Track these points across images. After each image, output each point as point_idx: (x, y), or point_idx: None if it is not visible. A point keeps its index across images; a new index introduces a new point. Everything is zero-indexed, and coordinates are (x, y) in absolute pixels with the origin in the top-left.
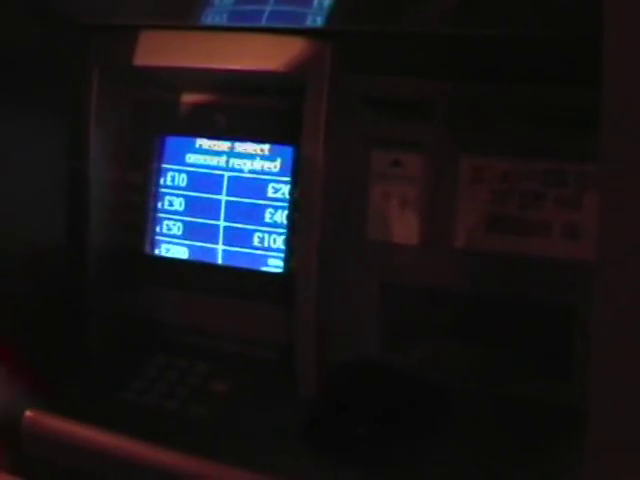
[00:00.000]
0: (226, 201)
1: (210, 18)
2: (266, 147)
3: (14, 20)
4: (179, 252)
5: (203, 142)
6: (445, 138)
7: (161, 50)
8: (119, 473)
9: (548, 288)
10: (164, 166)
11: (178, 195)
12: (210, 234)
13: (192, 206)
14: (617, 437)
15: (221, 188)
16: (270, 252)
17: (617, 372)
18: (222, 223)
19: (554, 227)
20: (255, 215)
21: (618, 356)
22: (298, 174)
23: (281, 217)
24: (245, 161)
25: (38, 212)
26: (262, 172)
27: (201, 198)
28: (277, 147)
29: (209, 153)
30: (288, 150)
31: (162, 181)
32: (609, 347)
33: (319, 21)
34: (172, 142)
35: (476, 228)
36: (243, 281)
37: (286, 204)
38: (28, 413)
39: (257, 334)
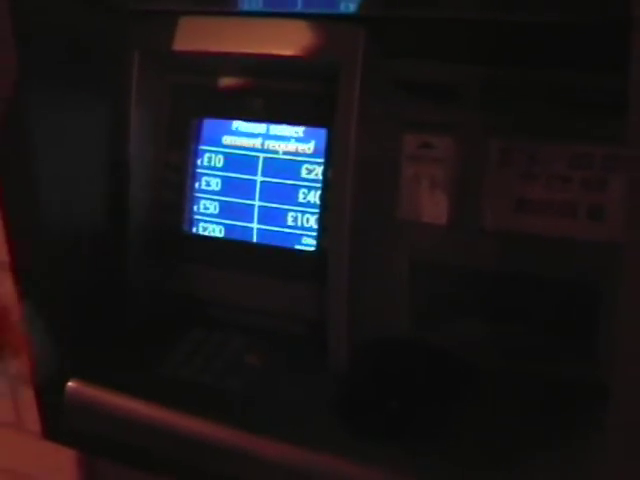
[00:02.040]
0: (261, 181)
1: (246, 4)
2: (300, 129)
3: (59, 7)
4: (215, 231)
5: (240, 124)
6: (475, 121)
7: (199, 35)
8: (157, 442)
9: (573, 268)
10: (201, 147)
11: (215, 175)
12: (245, 213)
13: (228, 186)
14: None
15: (256, 169)
16: (303, 231)
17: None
18: (257, 203)
19: (580, 209)
20: (289, 195)
21: None
22: (331, 156)
23: (314, 197)
24: (280, 143)
25: (83, 191)
26: (296, 154)
27: (237, 178)
28: (311, 130)
29: (245, 135)
30: (322, 132)
31: (199, 162)
32: (634, 326)
33: (352, 7)
34: (209, 124)
35: (504, 209)
36: (277, 259)
37: (319, 184)
38: (71, 383)
39: (290, 310)
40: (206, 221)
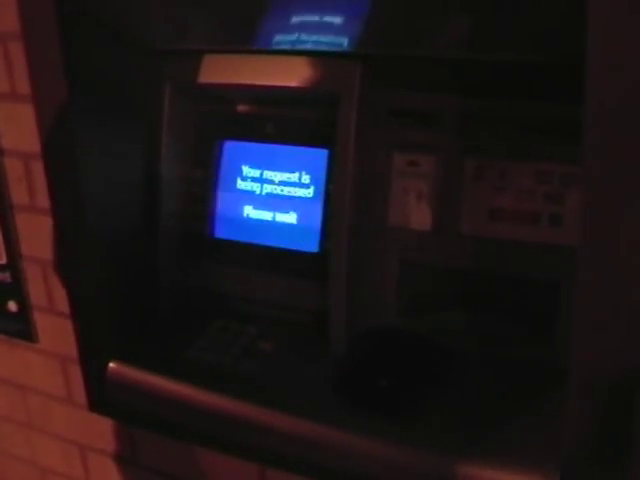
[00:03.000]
0: (273, 194)
1: (261, 43)
2: (304, 177)
3: (103, 49)
4: (234, 235)
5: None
6: (453, 143)
7: (220, 70)
8: (184, 414)
9: (537, 267)
10: (222, 165)
11: (235, 188)
12: (259, 221)
13: (245, 198)
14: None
15: (269, 184)
16: (308, 235)
17: (595, 334)
18: (269, 212)
19: (542, 217)
20: (297, 205)
21: (595, 321)
22: (332, 172)
23: (318, 207)
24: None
25: (122, 201)
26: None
27: (252, 191)
28: (313, 176)
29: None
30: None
31: (220, 177)
32: (587, 316)
33: (351, 46)
34: (229, 146)
35: (478, 217)
36: (286, 259)
37: (322, 196)
38: (112, 364)
39: (297, 303)
40: (225, 227)
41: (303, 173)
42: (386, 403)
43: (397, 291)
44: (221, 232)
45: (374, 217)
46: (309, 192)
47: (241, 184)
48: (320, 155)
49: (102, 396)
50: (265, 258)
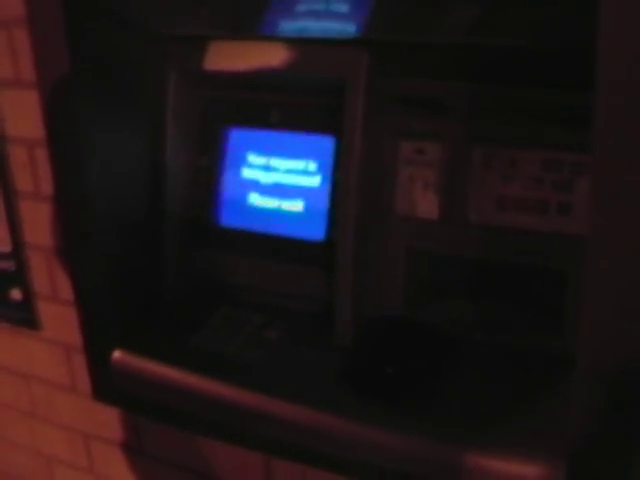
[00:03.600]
0: (279, 182)
1: (267, 29)
2: (310, 165)
3: (108, 34)
4: (239, 223)
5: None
6: (461, 131)
7: (226, 57)
8: (189, 403)
9: (545, 256)
10: (227, 153)
11: (240, 176)
12: (265, 209)
13: (250, 185)
14: None
15: (275, 172)
16: (315, 224)
17: (603, 323)
18: (276, 200)
19: (551, 206)
20: (303, 193)
21: (604, 310)
22: (338, 160)
23: (324, 195)
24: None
25: (127, 188)
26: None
27: (258, 180)
28: (319, 164)
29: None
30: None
31: (225, 165)
32: (596, 305)
33: (357, 32)
34: (234, 133)
35: (486, 206)
36: (292, 248)
37: (329, 184)
38: (116, 352)
39: (303, 292)
40: (231, 216)
41: (309, 161)
42: (392, 391)
43: (404, 280)
44: (227, 220)
45: (381, 205)
46: (315, 180)
47: (247, 172)
48: (326, 143)
49: (106, 385)
50: (271, 246)
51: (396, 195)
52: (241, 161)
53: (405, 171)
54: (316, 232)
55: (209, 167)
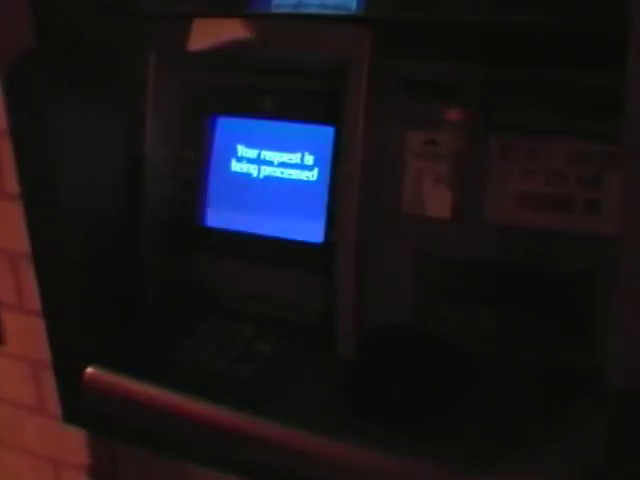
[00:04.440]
0: (272, 177)
1: (256, 6)
2: (307, 158)
3: (81, 11)
4: (228, 224)
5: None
6: (476, 119)
7: (212, 36)
8: (170, 426)
9: (570, 259)
10: (214, 144)
11: (228, 171)
12: (257, 207)
13: (240, 181)
14: None
15: (268, 166)
16: (312, 224)
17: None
18: (267, 197)
19: (577, 203)
20: (299, 190)
21: (635, 321)
22: (338, 152)
23: (322, 191)
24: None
25: (102, 184)
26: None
27: (249, 174)
28: (317, 157)
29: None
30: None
31: (212, 158)
32: (630, 315)
33: (360, 8)
34: (222, 122)
35: (504, 203)
36: (286, 250)
37: (328, 180)
38: (89, 370)
39: (299, 300)
40: (218, 214)
41: (306, 153)
42: (398, 412)
43: (412, 286)
44: (213, 220)
45: (386, 203)
46: (312, 175)
47: (236, 166)
48: (325, 133)
49: (78, 406)
50: (263, 249)
51: (403, 192)
52: (230, 153)
53: (413, 164)
54: (313, 233)
55: (193, 160)
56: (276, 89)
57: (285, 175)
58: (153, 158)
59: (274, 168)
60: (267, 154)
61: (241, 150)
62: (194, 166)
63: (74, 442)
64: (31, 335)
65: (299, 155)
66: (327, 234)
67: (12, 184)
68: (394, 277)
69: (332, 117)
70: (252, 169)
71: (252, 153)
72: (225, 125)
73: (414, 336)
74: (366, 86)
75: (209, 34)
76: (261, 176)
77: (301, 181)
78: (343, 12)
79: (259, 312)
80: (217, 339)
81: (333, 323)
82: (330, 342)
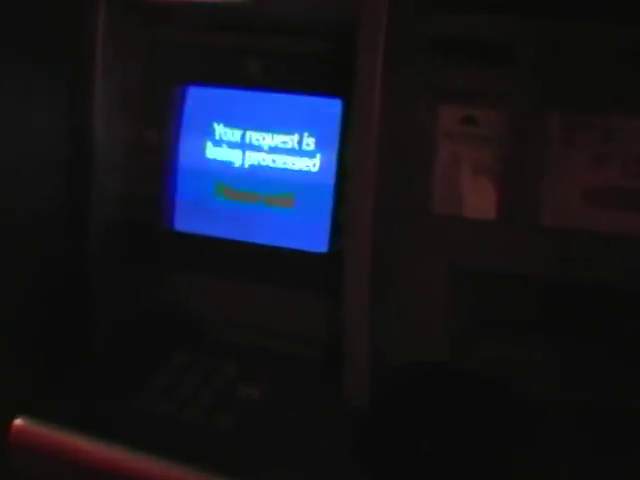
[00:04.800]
0: (262, 165)
1: None
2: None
3: None
4: (205, 227)
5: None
6: (529, 89)
7: None
8: None
9: None
10: (184, 122)
11: (203, 158)
12: (242, 206)
13: (221, 171)
14: None
15: (257, 148)
16: (314, 228)
17: None
18: (256, 193)
19: None
20: (297, 183)
21: None
22: (348, 134)
23: (327, 185)
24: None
25: (34, 179)
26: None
27: (229, 162)
28: (319, 140)
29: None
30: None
31: (182, 140)
32: None
33: None
34: (195, 94)
35: (568, 201)
36: (280, 263)
37: (333, 170)
38: (18, 421)
39: (297, 327)
40: (192, 215)
41: (305, 135)
42: (429, 476)
43: (445, 310)
44: (184, 223)
45: (411, 201)
46: (314, 163)
47: (213, 151)
48: (330, 108)
49: (3, 464)
50: (249, 261)
51: (434, 186)
52: (205, 135)
53: (446, 149)
54: (315, 240)
55: (157, 144)
56: (266, 51)
57: (278, 164)
58: (103, 141)
59: (263, 154)
60: (254, 135)
61: (219, 130)
62: (158, 152)
63: None
64: None
65: (296, 137)
66: (333, 241)
67: None
68: (421, 297)
69: (339, 87)
70: (234, 156)
71: (234, 135)
72: (199, 97)
73: (447, 376)
74: (383, 46)
75: None
76: (246, 165)
77: (299, 172)
78: None
79: (245, 343)
80: (190, 380)
81: (341, 358)
82: (337, 383)
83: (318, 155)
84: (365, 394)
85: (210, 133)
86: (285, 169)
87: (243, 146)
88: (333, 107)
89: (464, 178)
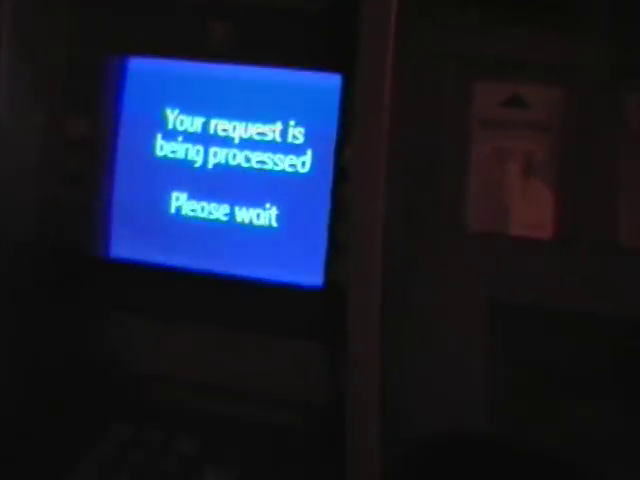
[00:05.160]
0: (231, 166)
1: None
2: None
3: None
4: (150, 253)
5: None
6: (599, 60)
7: None
8: None
9: None
10: (125, 109)
11: (150, 157)
12: (203, 225)
13: (173, 175)
14: None
15: (224, 145)
16: (303, 253)
17: None
18: (223, 207)
19: None
20: (278, 188)
21: None
22: (348, 123)
23: (322, 194)
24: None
25: None
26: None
27: (187, 163)
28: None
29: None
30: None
31: (122, 134)
32: None
33: None
34: (138, 69)
35: None
36: (258, 301)
37: (330, 174)
38: None
39: (277, 388)
40: (136, 237)
41: (291, 124)
42: None
43: (483, 360)
44: (124, 248)
45: (434, 215)
46: (304, 163)
47: (164, 147)
48: (326, 86)
49: None
50: (214, 299)
51: (467, 191)
52: (152, 125)
53: (484, 142)
54: (306, 270)
55: (87, 138)
56: (236, 13)
57: (253, 164)
58: (11, 132)
59: (233, 150)
60: (220, 125)
61: (173, 119)
62: (87, 148)
63: None
64: None
65: (279, 127)
66: (330, 272)
67: None
68: (451, 343)
69: (337, 59)
70: (194, 152)
71: (194, 124)
72: (143, 73)
73: (486, 451)
74: (396, 6)
75: None
76: (210, 166)
77: (283, 175)
78: None
79: (209, 410)
80: (132, 462)
81: (343, 429)
82: (338, 463)
83: (309, 151)
84: (368, 476)
85: (160, 123)
86: (263, 171)
87: (206, 140)
88: (329, 85)
89: (509, 181)
